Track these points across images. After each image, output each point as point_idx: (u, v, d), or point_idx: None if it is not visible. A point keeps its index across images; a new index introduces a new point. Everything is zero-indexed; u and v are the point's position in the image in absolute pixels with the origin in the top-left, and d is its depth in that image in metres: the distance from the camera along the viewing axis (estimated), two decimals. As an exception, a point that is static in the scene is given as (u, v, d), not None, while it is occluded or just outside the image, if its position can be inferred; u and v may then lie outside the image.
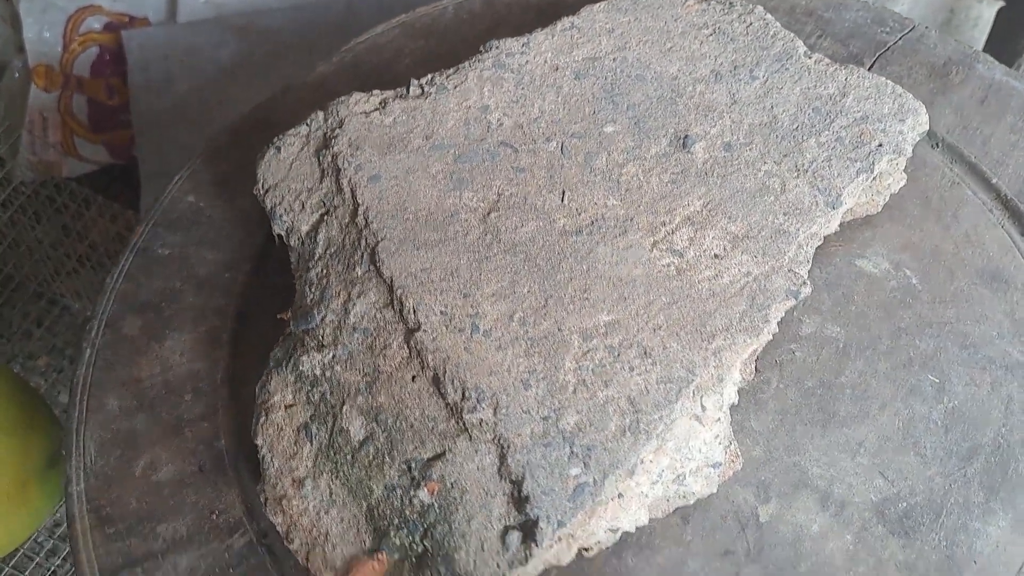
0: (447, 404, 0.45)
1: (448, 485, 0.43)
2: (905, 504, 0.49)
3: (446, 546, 0.42)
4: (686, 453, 0.46)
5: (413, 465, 0.44)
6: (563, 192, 0.52)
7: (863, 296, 0.56)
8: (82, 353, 0.57)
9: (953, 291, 0.56)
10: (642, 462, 0.44)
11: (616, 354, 0.46)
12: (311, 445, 0.47)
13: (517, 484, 0.42)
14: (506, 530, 0.42)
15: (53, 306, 1.11)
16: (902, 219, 0.59)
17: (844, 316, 0.56)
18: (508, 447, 0.43)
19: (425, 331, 0.47)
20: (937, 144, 0.62)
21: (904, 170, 0.58)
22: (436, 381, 0.46)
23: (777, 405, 0.53)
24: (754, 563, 0.47)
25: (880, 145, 0.53)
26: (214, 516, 0.50)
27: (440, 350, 0.46)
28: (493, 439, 0.44)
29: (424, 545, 0.43)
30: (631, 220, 0.51)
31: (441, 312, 0.48)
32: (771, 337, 0.49)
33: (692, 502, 0.48)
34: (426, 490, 0.44)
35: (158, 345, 0.57)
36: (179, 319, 0.58)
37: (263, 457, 0.47)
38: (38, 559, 0.92)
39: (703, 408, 0.46)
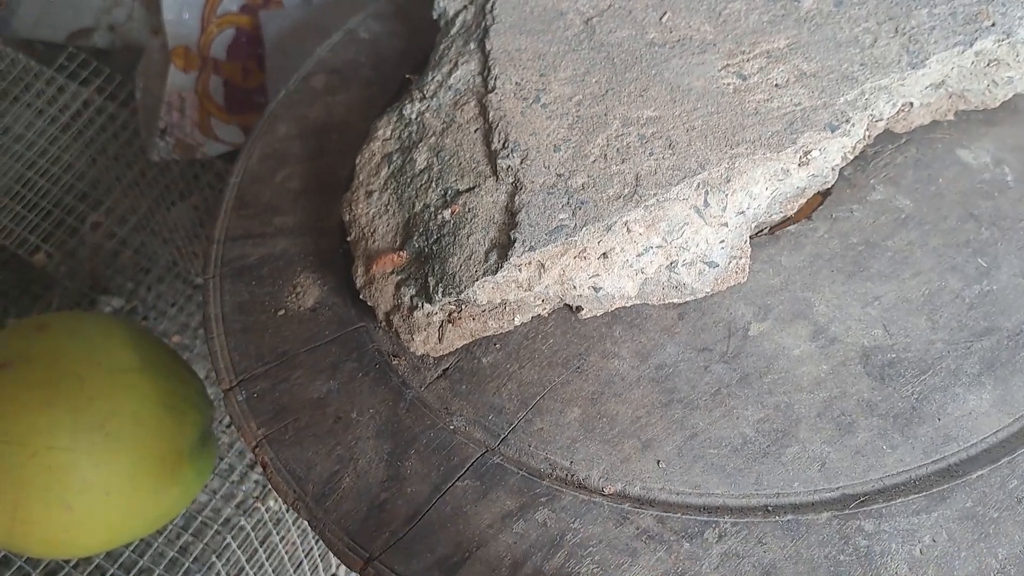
0: (489, 151, 0.53)
1: (467, 210, 0.51)
2: (894, 356, 0.49)
3: (446, 251, 0.50)
4: (681, 241, 0.50)
5: (449, 192, 0.52)
6: (665, 12, 0.57)
7: (949, 181, 0.56)
8: (277, 94, 0.71)
9: (1047, 195, 0.54)
10: (628, 230, 0.49)
11: (644, 141, 0.51)
12: (388, 168, 0.56)
13: (513, 215, 0.49)
14: (491, 247, 0.49)
15: (185, 285, 1.09)
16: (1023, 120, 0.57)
17: (919, 193, 0.56)
18: (520, 188, 0.50)
19: (496, 93, 0.55)
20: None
21: (1041, 72, 0.56)
22: (487, 132, 0.53)
23: (814, 250, 0.54)
24: (725, 363, 0.51)
25: (993, 25, 0.53)
26: (315, 221, 0.62)
27: (501, 110, 0.54)
28: (512, 182, 0.51)
29: (432, 249, 0.51)
30: (714, 45, 0.55)
31: (516, 83, 0.55)
32: (814, 176, 0.51)
33: (687, 298, 0.52)
34: (450, 211, 0.52)
35: (330, 98, 0.70)
36: (353, 84, 0.70)
37: (355, 172, 0.58)
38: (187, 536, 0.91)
39: (706, 203, 0.50)
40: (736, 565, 0.43)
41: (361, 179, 0.57)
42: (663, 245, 0.50)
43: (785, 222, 0.56)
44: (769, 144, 0.50)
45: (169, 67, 1.06)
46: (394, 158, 0.57)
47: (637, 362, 0.52)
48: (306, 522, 0.48)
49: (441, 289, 0.49)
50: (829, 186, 0.55)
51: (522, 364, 0.53)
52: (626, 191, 0.49)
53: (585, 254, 0.49)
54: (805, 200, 0.55)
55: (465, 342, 0.53)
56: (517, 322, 0.52)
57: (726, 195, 0.50)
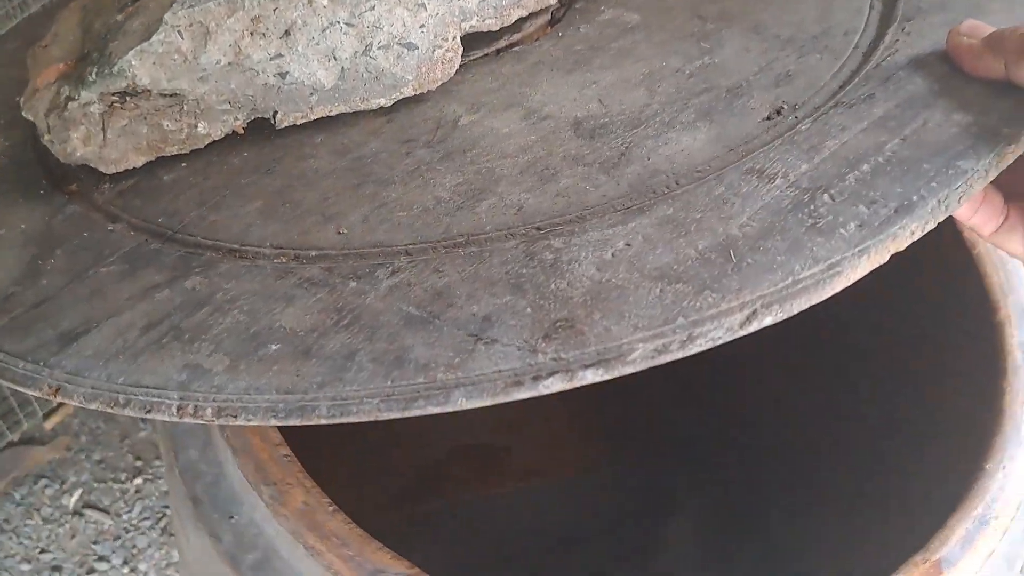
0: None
1: (139, 8, 0.47)
2: (606, 120, 0.45)
3: (109, 41, 0.45)
4: (372, 19, 0.46)
5: (126, 2, 0.48)
6: None
7: (678, -2, 0.53)
8: None
9: (774, -6, 0.52)
10: (310, 0, 0.45)
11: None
12: (82, 13, 0.52)
13: (181, -9, 0.45)
14: (152, 23, 0.44)
15: None
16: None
17: (649, 8, 0.53)
18: (195, -26, 0.46)
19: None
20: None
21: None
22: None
23: (536, 58, 0.51)
24: (429, 148, 0.45)
25: None
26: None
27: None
28: (190, -26, 0.47)
29: (98, 46, 0.46)
30: None
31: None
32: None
33: (392, 93, 0.47)
34: (123, 13, 0.47)
35: None
36: None
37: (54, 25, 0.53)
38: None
39: (394, -25, 0.46)
40: (406, 292, 0.36)
41: (54, 29, 0.52)
42: (352, 23, 0.46)
43: (512, 45, 0.53)
44: (460, -83, 0.47)
45: None
46: (89, 4, 0.52)
47: (335, 159, 0.46)
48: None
49: (96, 70, 0.44)
50: (552, 4, 0.52)
51: (208, 176, 0.47)
52: (304, -42, 0.45)
53: (262, 29, 0.45)
54: (526, 12, 0.51)
55: (145, 158, 0.47)
56: (203, 130, 0.47)
57: (418, -32, 0.46)
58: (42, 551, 0.99)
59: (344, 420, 0.32)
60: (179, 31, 0.44)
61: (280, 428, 0.52)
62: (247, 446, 0.47)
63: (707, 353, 0.33)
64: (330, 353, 0.34)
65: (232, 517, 0.49)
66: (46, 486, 1.04)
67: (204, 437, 0.51)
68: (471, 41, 0.50)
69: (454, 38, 0.48)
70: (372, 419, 0.32)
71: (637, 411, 0.80)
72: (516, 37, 0.52)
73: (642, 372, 0.33)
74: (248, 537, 0.47)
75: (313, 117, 0.48)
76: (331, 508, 0.44)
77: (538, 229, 0.39)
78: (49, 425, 1.08)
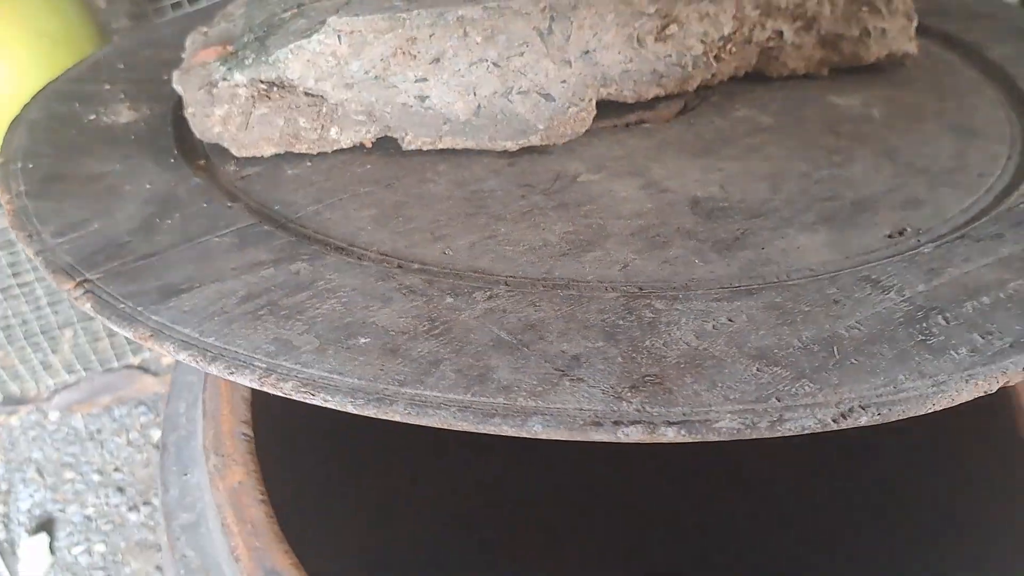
0: (347, -24, 0.51)
1: (302, 12, 0.49)
2: (726, 204, 0.45)
3: (270, 35, 0.47)
4: (519, 65, 0.47)
5: (293, 4, 0.50)
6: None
7: (816, 112, 0.54)
8: None
9: (909, 127, 0.52)
10: (465, 32, 0.47)
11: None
12: (246, 7, 0.55)
13: (347, 3, 0.47)
14: (317, 25, 0.46)
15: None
16: (899, 82, 0.57)
17: (784, 114, 0.54)
18: (363, -10, 0.48)
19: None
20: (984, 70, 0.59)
21: (913, 39, 0.56)
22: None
23: (663, 137, 0.52)
24: (546, 195, 0.46)
25: (862, -47, 0.53)
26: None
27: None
28: (359, -10, 0.49)
29: (258, 36, 0.48)
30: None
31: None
32: (671, 59, 0.50)
33: (520, 138, 0.48)
34: (289, 13, 0.49)
35: None
36: None
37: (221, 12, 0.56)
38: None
39: (550, 29, 0.47)
40: (500, 317, 0.36)
41: (217, 19, 0.55)
42: (499, 64, 0.47)
43: (642, 121, 0.54)
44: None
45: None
46: (254, 2, 0.55)
47: (453, 187, 0.47)
48: (30, 253, 0.42)
49: (252, 57, 0.46)
50: (688, 88, 0.53)
51: (329, 179, 0.48)
52: (468, -5, 0.47)
53: (415, 50, 0.46)
54: (663, 92, 0.52)
55: (274, 149, 0.48)
56: (334, 135, 0.48)
57: (571, 22, 0.48)
58: (116, 469, 1.06)
59: (418, 421, 0.32)
60: (340, 35, 0.45)
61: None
62: (215, 413, 0.47)
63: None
64: (416, 356, 0.34)
65: (186, 474, 0.49)
66: (143, 414, 1.12)
67: (195, 394, 0.52)
68: (604, 108, 0.51)
69: (590, 100, 0.49)
70: (445, 426, 0.32)
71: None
72: (647, 115, 0.53)
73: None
74: (189, 499, 0.47)
75: (439, 146, 0.49)
76: (261, 497, 0.44)
77: (640, 288, 0.39)
78: (166, 361, 1.14)
